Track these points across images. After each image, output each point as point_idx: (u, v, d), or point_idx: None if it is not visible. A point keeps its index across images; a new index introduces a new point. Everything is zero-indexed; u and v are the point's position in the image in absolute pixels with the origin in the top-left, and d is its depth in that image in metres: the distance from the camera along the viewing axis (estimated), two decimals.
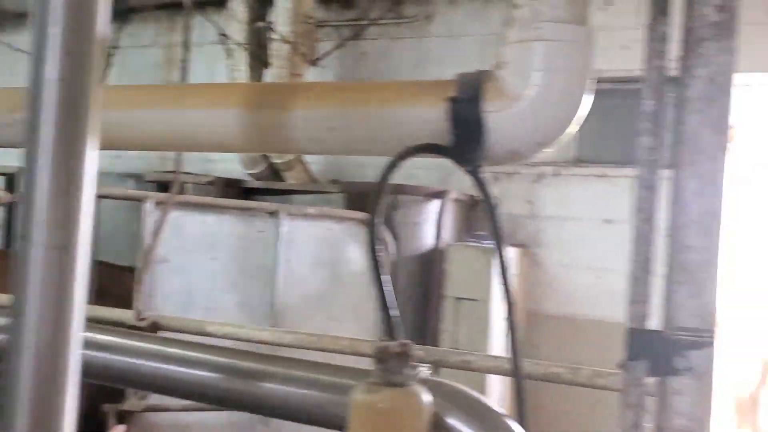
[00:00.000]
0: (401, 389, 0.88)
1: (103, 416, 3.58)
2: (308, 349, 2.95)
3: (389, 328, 0.91)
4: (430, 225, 4.32)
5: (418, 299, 4.35)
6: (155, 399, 3.65)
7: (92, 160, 0.77)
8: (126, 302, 3.73)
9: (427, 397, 0.88)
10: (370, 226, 0.91)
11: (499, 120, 0.94)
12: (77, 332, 0.76)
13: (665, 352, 1.00)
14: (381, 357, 0.88)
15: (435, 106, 0.98)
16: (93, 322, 1.22)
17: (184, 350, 1.09)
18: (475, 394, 0.98)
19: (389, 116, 1.01)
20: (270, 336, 3.05)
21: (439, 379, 0.98)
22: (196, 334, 2.98)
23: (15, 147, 1.49)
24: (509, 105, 0.93)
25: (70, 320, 0.75)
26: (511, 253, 4.34)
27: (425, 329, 4.25)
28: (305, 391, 1.02)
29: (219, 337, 3.05)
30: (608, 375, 2.48)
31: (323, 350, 2.97)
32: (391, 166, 0.92)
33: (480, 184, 0.97)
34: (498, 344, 4.12)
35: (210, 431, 3.98)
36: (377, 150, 1.07)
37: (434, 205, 4.34)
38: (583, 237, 4.50)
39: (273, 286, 4.04)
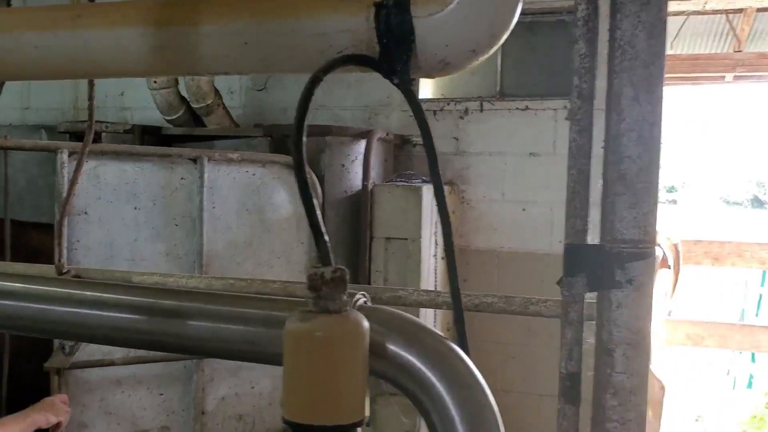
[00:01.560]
0: (338, 316, 0.83)
1: (45, 376, 3.45)
2: (239, 294, 2.89)
3: (322, 254, 0.85)
4: (358, 166, 4.26)
5: (348, 242, 4.32)
6: (84, 354, 3.53)
7: None
8: (47, 259, 3.57)
9: (365, 324, 0.84)
10: (296, 145, 0.84)
11: (429, 26, 0.88)
12: None
13: (605, 266, 0.98)
14: (314, 284, 0.83)
15: (359, 14, 0.91)
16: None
17: (100, 292, 1.01)
18: (414, 319, 0.94)
19: (309, 27, 0.93)
20: (199, 283, 2.97)
21: (375, 306, 0.94)
22: (119, 282, 2.87)
23: None
24: (440, 9, 0.87)
25: None
26: None
27: (357, 271, 4.23)
28: (234, 327, 0.96)
29: (145, 287, 2.95)
30: (539, 302, 2.52)
31: (255, 294, 2.92)
32: (315, 81, 0.85)
33: (410, 97, 0.92)
34: (430, 282, 4.14)
35: (144, 384, 3.90)
36: (296, 66, 0.99)
37: (360, 145, 4.27)
38: (508, 171, 4.53)
39: (199, 234, 3.93)
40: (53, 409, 2.79)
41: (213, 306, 0.98)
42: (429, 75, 0.94)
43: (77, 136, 4.66)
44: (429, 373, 0.88)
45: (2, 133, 3.99)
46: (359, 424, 0.83)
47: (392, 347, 0.89)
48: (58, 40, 1.02)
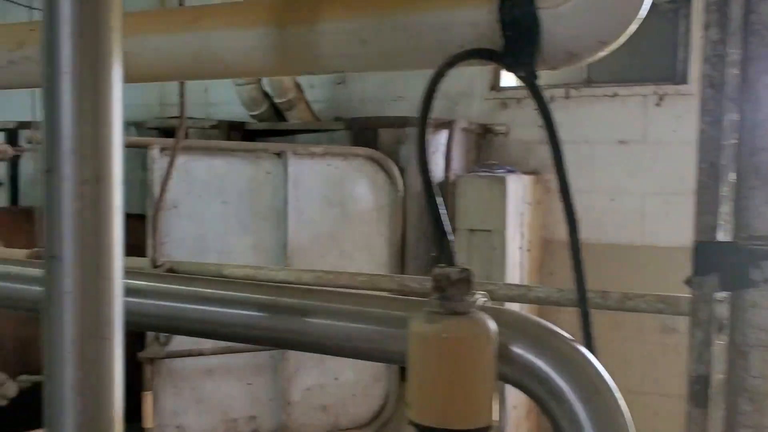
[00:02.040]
0: (465, 317, 0.81)
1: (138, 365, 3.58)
2: (327, 287, 2.92)
3: (446, 254, 0.84)
4: (439, 157, 4.23)
5: (430, 234, 4.30)
6: (176, 345, 3.64)
7: (118, 83, 0.68)
8: (136, 251, 3.69)
9: (493, 325, 0.82)
10: (420, 145, 0.82)
11: (556, 17, 0.85)
12: (118, 273, 0.69)
13: (739, 264, 0.93)
14: (440, 284, 0.82)
15: (483, 7, 0.88)
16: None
17: (222, 290, 1.02)
18: (539, 320, 0.91)
19: (429, 22, 0.92)
20: (288, 276, 3.01)
21: (498, 306, 0.92)
22: (214, 277, 2.94)
23: (22, 86, 1.40)
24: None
25: (110, 261, 0.68)
26: (524, 180, 4.26)
27: (439, 263, 4.21)
28: (353, 325, 0.96)
29: (236, 279, 3.01)
30: (636, 297, 2.44)
31: (342, 287, 2.94)
32: (439, 75, 0.83)
33: (534, 90, 0.89)
34: (515, 275, 4.08)
35: (232, 373, 3.99)
36: (415, 62, 0.98)
37: (442, 135, 4.24)
38: (596, 160, 4.40)
39: (284, 226, 3.99)
40: None
41: (332, 304, 0.98)
42: (554, 67, 0.91)
43: (165, 132, 4.79)
44: (558, 378, 0.85)
45: None
46: (487, 429, 0.81)
47: (518, 350, 0.86)
48: (180, 42, 1.03)
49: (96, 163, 0.67)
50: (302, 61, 1.00)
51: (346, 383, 4.24)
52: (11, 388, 3.67)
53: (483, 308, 0.89)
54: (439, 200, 0.86)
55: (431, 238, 4.25)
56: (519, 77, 0.89)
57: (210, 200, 3.89)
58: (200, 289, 1.00)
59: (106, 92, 0.67)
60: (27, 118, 5.17)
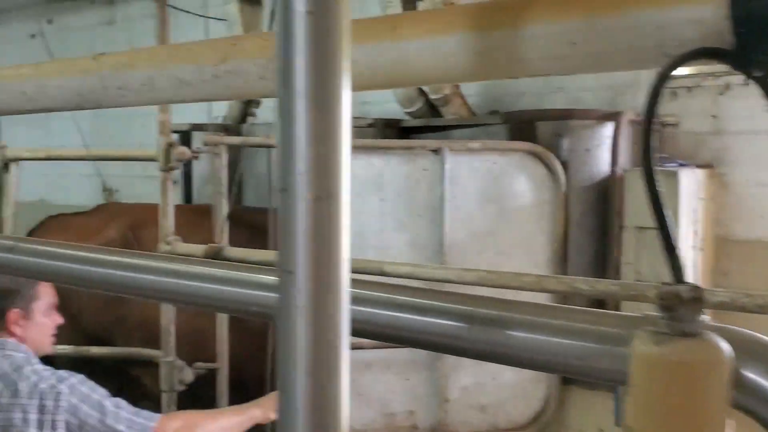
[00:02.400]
0: (696, 339, 0.75)
1: None
2: (489, 286, 2.87)
3: (675, 270, 0.78)
4: (604, 151, 4.05)
5: (593, 231, 4.14)
6: None
7: (347, 102, 0.68)
8: None
9: (727, 349, 0.76)
10: (646, 154, 0.77)
11: None
12: (346, 287, 0.69)
13: None
14: (669, 303, 0.76)
15: (709, 3, 0.81)
16: (240, 267, 1.18)
17: (417, 298, 1.02)
18: None
19: (646, 21, 0.86)
20: (449, 274, 3.00)
21: (725, 326, 0.85)
22: (375, 274, 2.99)
23: (222, 99, 1.48)
24: None
25: (339, 275, 0.69)
26: (697, 174, 4.00)
27: (604, 263, 4.05)
28: (560, 340, 0.92)
29: (397, 276, 3.04)
30: None
31: (505, 287, 2.89)
32: (663, 78, 0.78)
33: None
34: (687, 276, 3.83)
35: (391, 368, 4.05)
36: (629, 63, 0.92)
37: (607, 128, 4.06)
38: None
39: (441, 223, 3.99)
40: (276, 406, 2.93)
41: (535, 317, 0.95)
42: None
43: None
44: None
45: (265, 132, 4.34)
46: None
47: (749, 373, 0.79)
48: (377, 51, 1.03)
49: (327, 182, 0.67)
50: (505, 66, 0.97)
51: (505, 383, 4.18)
52: (188, 374, 3.92)
53: (711, 327, 0.82)
54: (667, 212, 0.81)
55: (594, 234, 4.09)
56: (752, 78, 0.81)
57: (368, 197, 3.96)
58: (395, 296, 1.00)
59: (337, 111, 0.67)
60: (199, 120, 5.52)
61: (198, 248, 3.72)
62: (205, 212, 4.47)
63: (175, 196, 4.06)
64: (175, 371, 3.83)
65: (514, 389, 4.21)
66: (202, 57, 1.28)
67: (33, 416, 2.40)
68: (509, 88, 5.01)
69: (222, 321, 3.87)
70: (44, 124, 8.27)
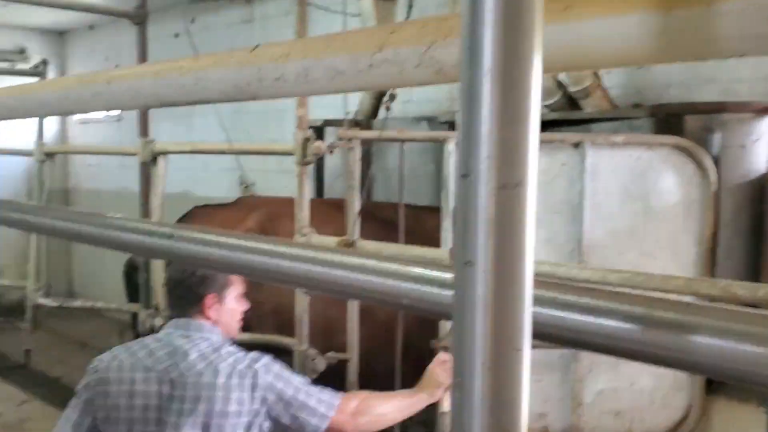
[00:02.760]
0: None
1: (429, 352, 3.71)
2: (634, 288, 2.73)
3: None
4: (761, 147, 3.76)
5: (746, 233, 3.85)
6: None
7: (537, 83, 0.63)
8: (429, 242, 3.81)
9: None
10: None
11: None
12: (530, 282, 0.64)
13: None
14: None
15: None
16: (413, 262, 1.14)
17: (584, 297, 0.95)
18: None
19: None
20: (592, 275, 2.88)
21: None
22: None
23: (376, 88, 1.47)
24: None
25: (522, 269, 0.64)
26: None
27: (757, 267, 3.76)
28: (753, 348, 0.83)
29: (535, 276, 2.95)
30: None
31: (653, 290, 2.73)
32: None
33: None
34: None
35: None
36: None
37: (765, 123, 3.76)
38: None
39: (580, 221, 3.84)
40: (438, 380, 2.93)
41: (719, 322, 0.87)
42: None
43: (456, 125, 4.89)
44: None
45: (396, 126, 4.34)
46: None
47: None
48: (548, 33, 0.97)
49: (514, 168, 0.63)
50: (692, 47, 0.89)
51: (643, 390, 3.98)
52: (321, 364, 4.00)
53: None
54: None
55: (749, 235, 3.81)
56: None
57: None
58: (560, 295, 0.94)
59: (526, 92, 0.63)
60: (332, 116, 5.62)
61: (331, 240, 3.79)
62: (336, 206, 4.55)
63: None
64: (308, 360, 3.92)
65: (653, 396, 3.99)
66: (358, 46, 1.26)
67: (234, 394, 2.52)
68: (654, 79, 4.76)
69: (353, 312, 3.92)
70: (187, 121, 8.73)
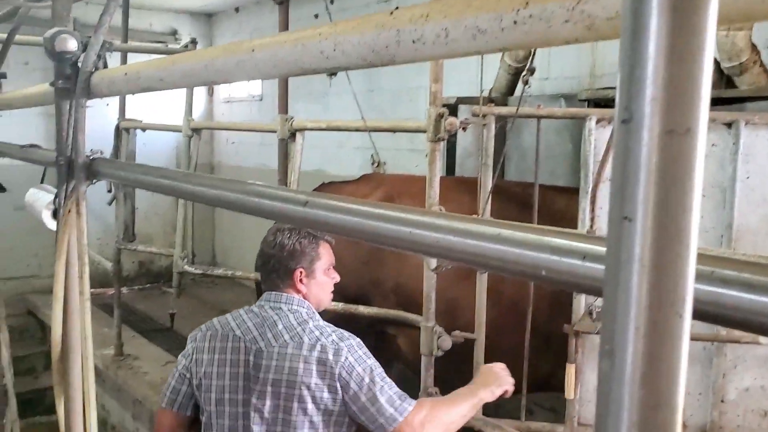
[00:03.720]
0: None
1: (559, 336, 3.61)
2: None
3: None
4: None
5: None
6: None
7: (713, 15, 0.56)
8: (557, 223, 3.68)
9: None
10: None
11: None
12: (694, 241, 0.57)
13: None
14: None
15: None
16: (551, 232, 1.08)
17: (748, 274, 0.86)
18: None
19: None
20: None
21: None
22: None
23: (521, 47, 1.40)
24: None
25: (688, 227, 0.57)
26: None
27: None
28: None
29: None
30: None
31: None
32: None
33: None
34: None
35: None
36: None
37: None
38: None
39: (730, 205, 3.57)
40: (498, 381, 2.85)
41: None
42: None
43: (596, 103, 4.69)
44: None
45: (534, 102, 4.22)
46: None
47: None
48: None
49: (683, 112, 0.56)
50: None
51: None
52: (447, 342, 3.98)
53: None
54: None
55: None
56: None
57: None
58: (719, 270, 0.86)
59: (700, 24, 0.56)
60: (466, 94, 5.55)
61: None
62: (466, 184, 4.49)
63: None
64: (435, 337, 3.90)
65: None
66: (502, 3, 1.21)
67: (314, 367, 2.56)
68: None
69: (482, 290, 3.86)
70: (323, 100, 8.93)
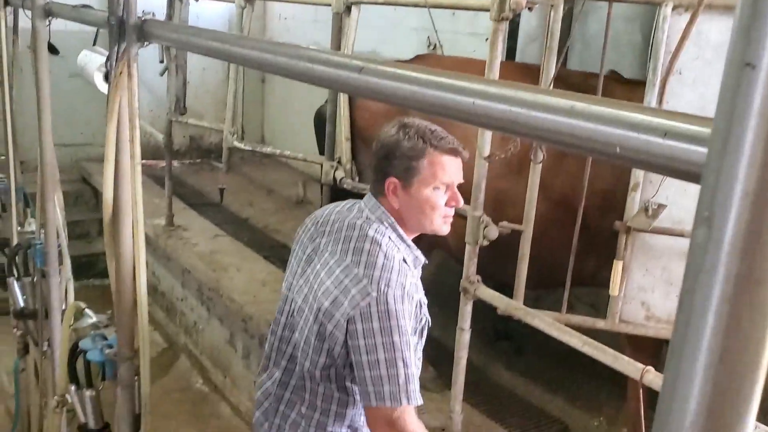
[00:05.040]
0: None
1: (610, 233, 3.53)
2: None
3: None
4: None
5: None
6: (658, 221, 3.45)
7: None
8: None
9: None
10: None
11: None
12: None
13: None
14: None
15: None
16: (628, 106, 0.99)
17: None
18: None
19: None
20: None
21: None
22: None
23: None
24: None
25: None
26: None
27: None
28: None
29: None
30: None
31: None
32: None
33: None
34: None
35: None
36: None
37: None
38: None
39: None
40: None
41: None
42: None
43: None
44: None
45: None
46: None
47: None
48: None
49: None
50: None
51: None
52: (493, 231, 3.93)
53: None
54: None
55: None
56: None
57: (720, 66, 3.43)
58: None
59: None
60: None
61: None
62: (528, 70, 4.30)
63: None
64: (481, 226, 3.86)
65: None
66: None
67: (337, 292, 2.32)
68: None
69: (534, 182, 3.77)
70: None
